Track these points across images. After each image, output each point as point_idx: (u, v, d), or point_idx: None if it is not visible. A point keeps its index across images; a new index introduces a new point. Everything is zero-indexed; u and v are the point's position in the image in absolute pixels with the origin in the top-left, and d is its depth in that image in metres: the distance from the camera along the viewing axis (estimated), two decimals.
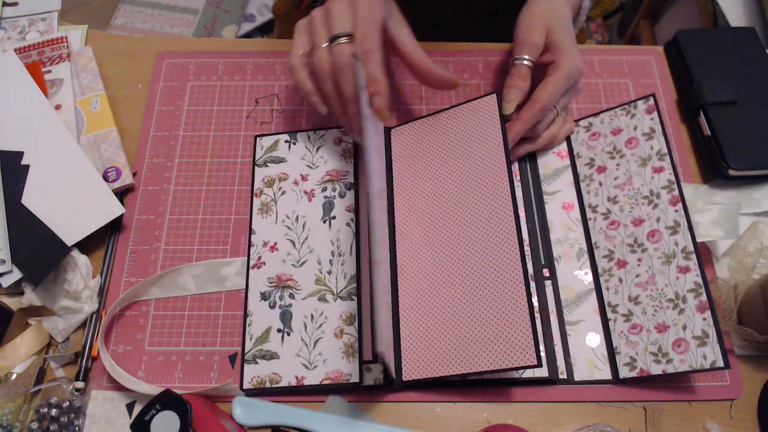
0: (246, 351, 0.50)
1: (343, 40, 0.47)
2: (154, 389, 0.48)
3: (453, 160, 0.52)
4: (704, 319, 0.45)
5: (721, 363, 0.43)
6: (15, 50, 0.62)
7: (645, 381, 0.48)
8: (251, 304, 0.52)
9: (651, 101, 0.55)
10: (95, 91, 0.61)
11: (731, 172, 0.55)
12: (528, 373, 0.48)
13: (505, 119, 0.52)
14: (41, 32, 0.66)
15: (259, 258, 0.53)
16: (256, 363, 0.49)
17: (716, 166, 0.56)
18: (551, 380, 0.48)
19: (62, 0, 0.68)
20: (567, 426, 0.48)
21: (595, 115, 0.58)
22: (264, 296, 0.52)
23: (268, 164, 0.57)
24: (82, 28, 0.67)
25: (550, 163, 0.57)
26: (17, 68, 0.60)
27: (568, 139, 0.58)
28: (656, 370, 0.46)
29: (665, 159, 0.52)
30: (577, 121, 0.58)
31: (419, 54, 0.51)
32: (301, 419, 0.47)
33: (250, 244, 0.54)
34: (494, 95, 0.52)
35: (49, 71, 0.62)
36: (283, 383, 0.48)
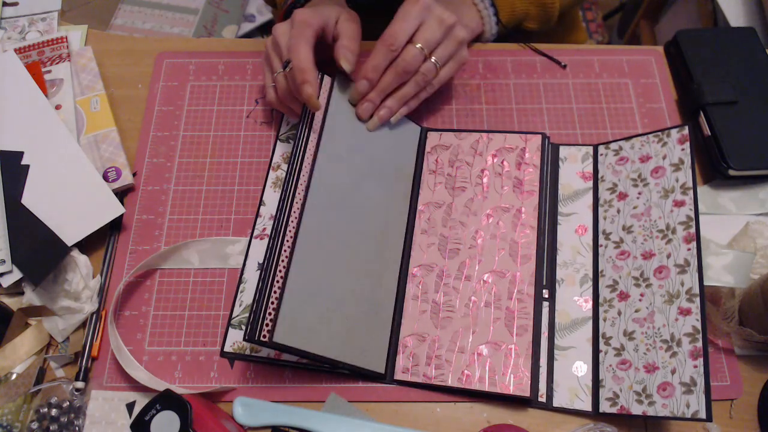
0: (233, 316, 0.51)
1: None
2: (153, 379, 0.48)
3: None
4: (695, 367, 0.44)
5: (703, 415, 0.42)
6: (15, 50, 0.62)
7: (624, 418, 0.47)
8: (247, 272, 0.53)
9: (685, 131, 0.53)
10: (95, 91, 0.61)
11: (731, 172, 0.55)
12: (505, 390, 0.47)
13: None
14: (41, 32, 0.66)
15: (264, 229, 0.54)
16: (241, 329, 0.50)
17: (716, 166, 0.56)
18: (527, 400, 0.48)
19: (62, 0, 0.69)
20: (567, 426, 0.48)
21: (627, 139, 0.56)
22: (261, 267, 0.52)
23: (290, 140, 0.58)
24: (82, 28, 0.67)
25: (572, 183, 0.56)
26: (17, 68, 0.60)
27: (594, 161, 0.57)
28: (637, 410, 0.45)
29: (688, 193, 0.50)
30: (607, 143, 0.57)
31: (342, 40, 0.52)
32: (302, 419, 0.47)
33: (257, 215, 0.55)
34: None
35: (49, 71, 0.62)
36: (263, 354, 0.49)
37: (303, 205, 0.47)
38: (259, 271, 0.52)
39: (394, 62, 0.53)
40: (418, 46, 0.52)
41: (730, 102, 0.57)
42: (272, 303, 0.44)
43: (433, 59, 0.53)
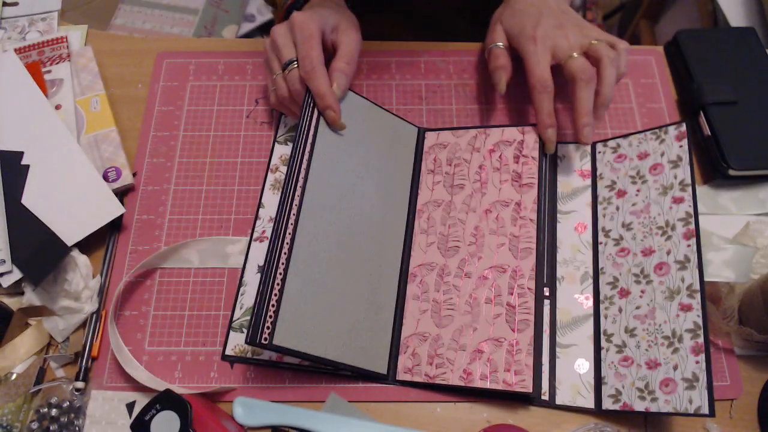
0: (234, 319, 0.51)
1: (294, 65, 0.51)
2: (153, 379, 0.48)
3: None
4: (697, 362, 0.44)
5: (706, 410, 0.42)
6: (15, 50, 0.62)
7: (627, 414, 0.47)
8: (247, 275, 0.53)
9: (683, 128, 0.53)
10: (95, 91, 0.61)
11: (731, 172, 0.55)
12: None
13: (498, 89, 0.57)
14: (41, 32, 0.66)
15: (263, 232, 0.54)
16: (242, 332, 0.50)
17: (716, 166, 0.56)
18: (529, 398, 0.48)
19: (62, 0, 0.68)
20: (567, 426, 0.48)
21: (625, 136, 0.56)
22: (261, 269, 0.52)
23: (288, 143, 0.58)
24: (82, 28, 0.67)
25: (570, 181, 0.56)
26: (17, 68, 0.60)
27: (593, 159, 0.57)
28: (639, 406, 0.45)
29: (687, 190, 0.50)
30: (605, 141, 0.57)
31: (340, 62, 0.52)
32: (302, 419, 0.47)
33: (256, 217, 0.55)
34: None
35: (49, 71, 0.62)
36: (264, 357, 0.49)
37: (300, 207, 0.47)
38: (258, 274, 0.52)
39: (577, 83, 0.52)
40: (575, 54, 0.52)
41: (730, 102, 0.57)
42: (272, 306, 0.44)
43: (593, 42, 0.53)
